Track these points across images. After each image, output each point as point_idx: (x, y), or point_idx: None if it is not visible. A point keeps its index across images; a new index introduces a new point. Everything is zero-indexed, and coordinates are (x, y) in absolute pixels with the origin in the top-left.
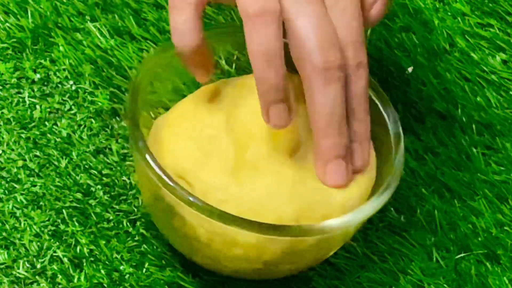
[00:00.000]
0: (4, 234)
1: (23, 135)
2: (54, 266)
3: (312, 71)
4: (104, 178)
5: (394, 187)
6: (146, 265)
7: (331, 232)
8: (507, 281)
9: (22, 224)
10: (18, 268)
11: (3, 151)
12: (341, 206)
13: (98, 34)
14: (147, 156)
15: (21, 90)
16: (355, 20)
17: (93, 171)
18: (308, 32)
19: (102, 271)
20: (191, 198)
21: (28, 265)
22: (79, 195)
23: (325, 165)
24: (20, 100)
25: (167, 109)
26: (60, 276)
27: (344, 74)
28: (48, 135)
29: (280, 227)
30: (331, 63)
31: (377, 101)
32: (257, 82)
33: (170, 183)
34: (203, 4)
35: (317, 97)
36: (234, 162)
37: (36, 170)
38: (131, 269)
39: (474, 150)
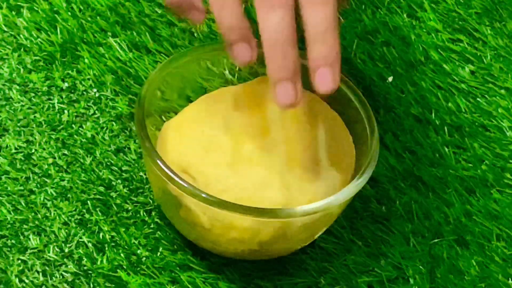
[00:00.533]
0: (36, 222)
1: (53, 136)
2: (80, 250)
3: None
4: (123, 174)
5: (369, 173)
6: (160, 249)
7: (315, 213)
8: (474, 263)
9: (52, 214)
10: (49, 252)
11: (35, 150)
12: (324, 191)
13: (118, 48)
14: (155, 155)
15: (51, 97)
16: None
17: (114, 168)
18: None
19: (122, 255)
20: (194, 190)
21: (57, 250)
22: (101, 189)
23: (274, 88)
24: (51, 105)
25: (176, 113)
26: (85, 259)
27: (292, 1)
28: (75, 136)
29: (271, 210)
30: None
31: (356, 103)
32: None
33: (176, 178)
34: None
35: (261, 22)
36: (232, 157)
37: (64, 167)
38: (147, 253)
39: (446, 149)
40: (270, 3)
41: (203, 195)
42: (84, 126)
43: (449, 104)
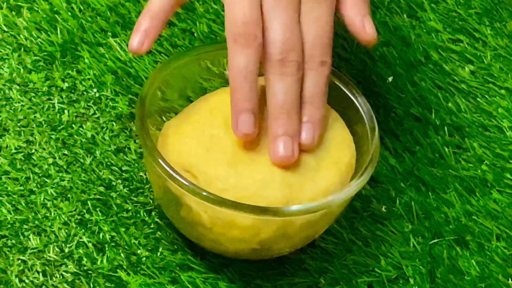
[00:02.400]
0: (36, 222)
1: (53, 136)
2: (80, 250)
3: (270, 62)
4: (123, 174)
5: (369, 173)
6: (160, 249)
7: (315, 211)
8: (474, 263)
9: (52, 214)
10: (49, 252)
11: (35, 150)
12: (324, 190)
13: (118, 48)
14: (156, 154)
15: (52, 97)
16: (327, 25)
17: (114, 168)
18: (277, 34)
19: (122, 255)
20: (196, 188)
21: (57, 250)
22: (102, 189)
23: (274, 142)
24: (51, 105)
25: (176, 113)
26: (85, 259)
27: (300, 72)
28: (75, 136)
29: (271, 209)
30: (288, 59)
31: (356, 103)
32: (232, 92)
33: (177, 176)
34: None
35: (271, 85)
36: (232, 156)
37: (65, 167)
38: (147, 253)
39: (446, 149)
40: (283, 71)
41: (204, 194)
42: (84, 126)
43: (449, 104)
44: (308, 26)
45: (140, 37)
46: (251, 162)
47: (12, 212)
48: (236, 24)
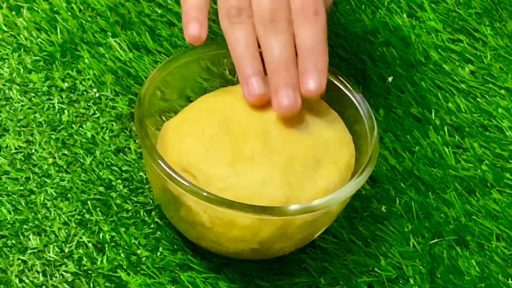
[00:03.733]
0: (36, 222)
1: (53, 136)
2: (80, 250)
3: (261, 24)
4: (123, 174)
5: (369, 172)
6: (160, 249)
7: (315, 211)
8: (474, 264)
9: (52, 214)
10: (49, 252)
11: (35, 150)
12: (324, 189)
13: (118, 48)
14: (155, 154)
15: (51, 97)
16: None
17: (114, 168)
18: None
19: (122, 255)
20: (195, 188)
21: (57, 250)
22: (102, 189)
23: (276, 94)
24: (51, 105)
25: (176, 113)
26: (85, 259)
27: (291, 28)
28: (75, 136)
29: (270, 208)
30: (278, 16)
31: (356, 102)
32: (237, 65)
33: (176, 176)
34: None
35: (267, 44)
36: (232, 155)
37: (65, 167)
38: (147, 253)
39: (446, 149)
40: (274, 29)
41: (204, 193)
42: (84, 126)
43: (449, 104)
44: None
45: (196, 25)
46: (251, 162)
47: (12, 212)
48: (228, 5)
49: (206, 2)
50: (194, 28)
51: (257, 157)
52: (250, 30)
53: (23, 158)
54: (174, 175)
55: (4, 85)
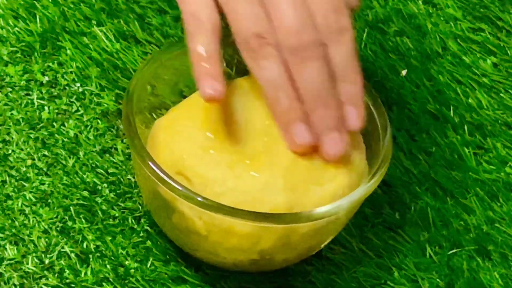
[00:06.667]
0: (13, 230)
1: (32, 135)
2: (62, 262)
3: (287, 52)
4: (110, 177)
5: (381, 175)
6: (151, 260)
7: (321, 218)
8: (497, 276)
9: (31, 221)
10: (27, 264)
11: (12, 150)
12: (331, 194)
13: (104, 38)
14: (145, 155)
15: (30, 92)
16: None
17: (99, 170)
18: (285, 16)
19: (108, 266)
20: (189, 193)
21: (36, 261)
22: (86, 193)
23: (324, 139)
24: (29, 101)
25: (168, 109)
26: (67, 271)
27: (321, 48)
28: (56, 135)
29: (272, 215)
30: (304, 41)
31: (366, 99)
32: (271, 106)
33: (168, 180)
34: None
35: (298, 79)
36: (231, 156)
37: (45, 169)
38: (136, 264)
39: (466, 149)
40: (301, 57)
41: (199, 199)
42: (66, 124)
43: (469, 100)
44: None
45: (210, 82)
46: (251, 164)
47: None
48: (244, 32)
49: (215, 45)
50: (208, 88)
51: (258, 158)
52: (278, 63)
53: None
54: (166, 178)
55: None
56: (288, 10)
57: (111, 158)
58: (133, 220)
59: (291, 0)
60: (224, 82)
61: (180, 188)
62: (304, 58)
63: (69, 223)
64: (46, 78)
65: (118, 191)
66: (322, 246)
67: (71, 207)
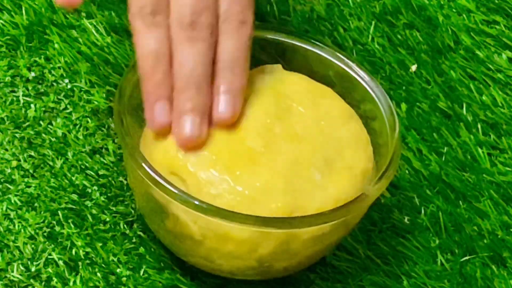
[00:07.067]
0: None
1: (17, 135)
2: (49, 269)
3: (178, 26)
4: (100, 179)
5: (389, 178)
6: (144, 267)
7: (324, 223)
8: None
9: (16, 226)
10: (12, 271)
11: None
12: (335, 199)
13: (94, 31)
14: (138, 155)
15: (15, 89)
16: None
17: (89, 172)
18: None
19: (99, 274)
20: (184, 196)
21: (22, 268)
22: (74, 196)
23: (179, 119)
24: (14, 99)
25: None
26: (55, 279)
27: (214, 37)
28: (43, 134)
29: (272, 219)
30: (200, 21)
31: (374, 96)
32: (143, 81)
33: (162, 181)
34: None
35: (178, 54)
36: (229, 156)
37: (31, 171)
38: (128, 272)
39: (480, 150)
40: (190, 36)
41: (194, 202)
42: (54, 123)
43: (483, 97)
44: None
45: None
46: (250, 165)
47: None
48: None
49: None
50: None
51: (258, 158)
52: (165, 36)
53: None
54: (159, 179)
55: None
56: None
57: (102, 159)
58: (125, 225)
59: None
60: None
61: (174, 190)
62: (191, 37)
63: (57, 228)
64: (33, 74)
65: (109, 194)
66: (326, 253)
67: (59, 211)
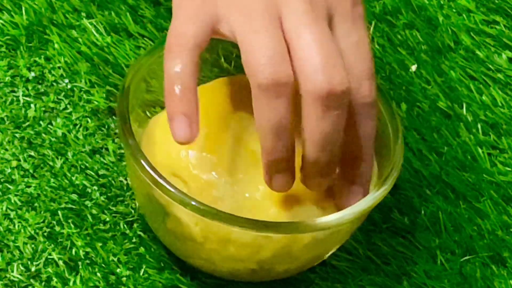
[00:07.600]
0: None
1: (17, 135)
2: (49, 269)
3: (313, 94)
4: (100, 179)
5: (391, 183)
6: (144, 267)
7: (326, 228)
8: None
9: (16, 226)
10: (12, 271)
11: None
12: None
13: (94, 31)
14: (139, 155)
15: (15, 89)
16: (370, 53)
17: (89, 172)
18: (311, 51)
19: (98, 274)
20: (185, 197)
21: (22, 268)
22: (74, 196)
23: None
24: (14, 99)
25: (164, 107)
26: (55, 279)
27: (348, 100)
28: (43, 134)
29: (273, 223)
30: (336, 86)
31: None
32: (264, 152)
33: (163, 182)
34: (201, 48)
35: (312, 125)
36: (231, 158)
37: (31, 171)
38: (128, 272)
39: (480, 150)
40: (328, 104)
41: (195, 203)
42: (53, 123)
43: (483, 97)
44: (348, 51)
45: (183, 124)
46: (253, 168)
47: None
48: (260, 68)
49: (194, 66)
50: (179, 130)
51: (260, 162)
52: (287, 105)
53: None
54: (161, 180)
55: None
56: (316, 43)
57: (102, 159)
58: (125, 225)
59: (317, 37)
60: (198, 121)
61: (175, 191)
62: (327, 107)
63: (57, 228)
64: (33, 74)
65: (109, 194)
66: (326, 256)
67: (59, 211)
